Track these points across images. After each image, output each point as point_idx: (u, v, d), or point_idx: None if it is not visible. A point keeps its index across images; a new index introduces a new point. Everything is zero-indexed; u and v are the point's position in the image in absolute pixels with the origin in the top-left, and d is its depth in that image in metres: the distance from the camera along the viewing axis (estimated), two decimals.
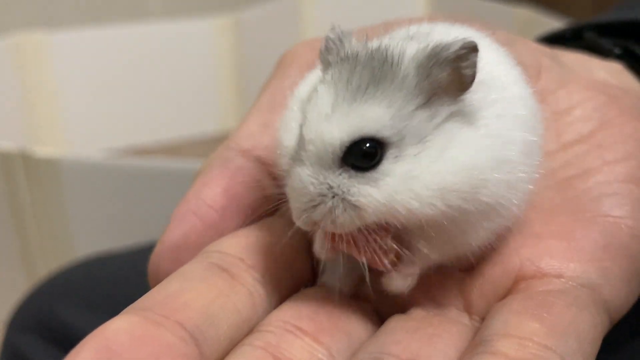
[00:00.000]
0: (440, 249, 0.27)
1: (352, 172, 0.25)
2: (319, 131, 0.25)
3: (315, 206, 0.25)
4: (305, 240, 0.28)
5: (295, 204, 0.25)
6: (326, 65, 0.27)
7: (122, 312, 0.23)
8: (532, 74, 0.31)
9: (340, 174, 0.25)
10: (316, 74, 0.29)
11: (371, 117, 0.24)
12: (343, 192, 0.25)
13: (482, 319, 0.27)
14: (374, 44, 0.26)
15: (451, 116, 0.25)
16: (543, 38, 0.41)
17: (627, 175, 0.30)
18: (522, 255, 0.28)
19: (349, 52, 0.26)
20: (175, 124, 1.24)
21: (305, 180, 0.25)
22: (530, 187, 0.27)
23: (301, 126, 0.26)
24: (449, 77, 0.25)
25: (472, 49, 0.24)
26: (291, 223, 0.29)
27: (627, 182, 0.30)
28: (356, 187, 0.25)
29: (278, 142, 0.28)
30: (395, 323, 0.26)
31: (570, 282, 0.27)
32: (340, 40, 0.26)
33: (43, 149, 0.83)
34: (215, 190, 0.30)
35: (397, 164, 0.25)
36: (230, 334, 0.25)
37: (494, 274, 0.28)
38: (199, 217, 0.29)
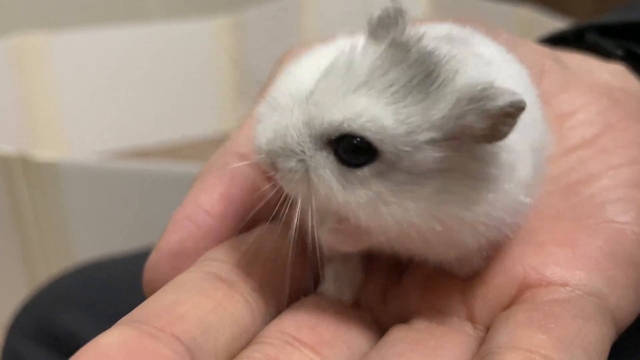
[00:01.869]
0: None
1: (332, 158, 0.24)
2: (330, 102, 0.24)
3: (281, 155, 0.24)
4: (304, 247, 0.28)
5: (267, 133, 0.24)
6: (372, 35, 0.25)
7: (116, 324, 0.23)
8: (534, 76, 0.31)
9: (320, 149, 0.24)
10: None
11: (381, 124, 0.23)
12: (312, 169, 0.24)
13: (486, 329, 0.26)
14: (429, 44, 0.24)
15: (458, 165, 0.24)
16: (545, 39, 0.41)
17: (631, 180, 0.29)
18: (526, 263, 0.27)
19: (406, 40, 0.24)
20: (175, 125, 1.24)
21: (290, 131, 0.24)
22: (532, 203, 0.27)
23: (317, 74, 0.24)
24: (483, 130, 0.23)
25: (519, 109, 0.23)
26: (290, 229, 0.29)
27: (632, 188, 0.29)
28: (325, 172, 0.24)
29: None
30: (397, 334, 0.26)
31: (575, 291, 0.26)
32: (396, 18, 0.24)
33: (43, 153, 0.83)
34: (212, 196, 0.29)
35: (376, 179, 0.24)
36: (228, 346, 0.24)
37: (498, 283, 0.27)
38: (196, 224, 0.29)
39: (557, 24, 0.94)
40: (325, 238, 0.26)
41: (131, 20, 1.20)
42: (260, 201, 0.30)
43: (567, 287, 0.26)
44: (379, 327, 0.27)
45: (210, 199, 0.29)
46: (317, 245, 0.27)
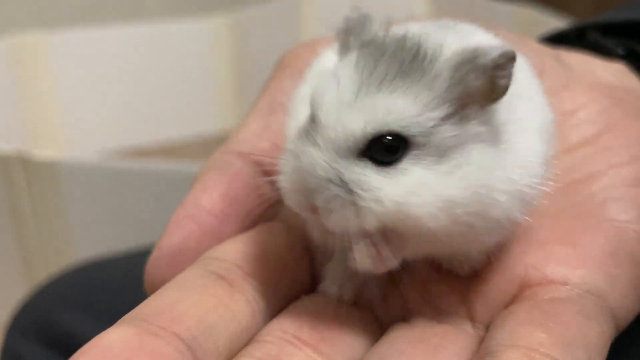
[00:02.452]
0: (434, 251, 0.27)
1: (369, 164, 0.24)
2: (340, 118, 0.23)
3: (318, 191, 0.23)
4: (305, 246, 0.28)
5: (296, 185, 0.24)
6: (345, 47, 0.25)
7: (117, 323, 0.23)
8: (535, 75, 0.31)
9: (355, 165, 0.24)
10: (325, 58, 0.28)
11: (399, 110, 0.23)
12: (353, 184, 0.23)
13: (486, 327, 0.26)
14: (400, 31, 0.25)
15: (475, 133, 0.24)
16: (546, 38, 0.41)
17: (633, 178, 0.29)
18: (526, 261, 0.27)
19: (375, 37, 0.25)
20: (174, 124, 1.24)
21: (317, 163, 0.23)
22: (541, 197, 0.26)
23: (314, 107, 0.24)
24: (482, 86, 0.24)
25: (510, 59, 0.23)
26: (291, 228, 0.29)
27: (633, 186, 0.29)
28: (371, 179, 0.23)
29: (286, 120, 0.27)
30: (398, 332, 0.26)
31: (576, 290, 0.26)
32: (362, 23, 0.25)
33: (42, 152, 0.83)
34: (213, 195, 0.29)
35: (416, 167, 0.24)
36: (229, 345, 0.24)
37: (498, 281, 0.27)
38: (197, 223, 0.29)
39: (557, 23, 0.94)
40: (360, 265, 0.25)
41: (131, 20, 1.20)
42: (260, 201, 0.30)
43: (568, 286, 0.26)
44: (380, 326, 0.27)
45: (211, 198, 0.29)
46: (317, 245, 0.27)
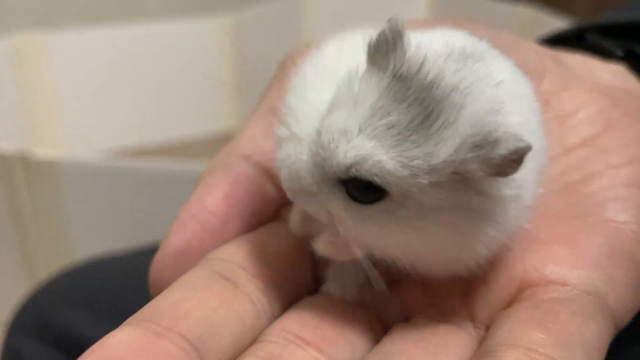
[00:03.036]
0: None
1: (345, 196, 0.24)
2: (337, 145, 0.23)
3: (299, 193, 0.25)
4: (308, 246, 0.28)
5: (284, 171, 0.25)
6: (373, 63, 0.24)
7: (123, 324, 0.23)
8: (535, 76, 0.31)
9: (332, 187, 0.24)
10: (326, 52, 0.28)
11: (388, 167, 0.23)
12: (327, 204, 0.25)
13: (486, 327, 0.26)
14: (430, 72, 0.23)
15: (464, 201, 0.24)
16: (545, 39, 0.41)
17: (631, 179, 0.30)
18: (526, 262, 0.27)
19: (404, 72, 0.23)
20: (175, 124, 1.24)
21: (304, 173, 0.25)
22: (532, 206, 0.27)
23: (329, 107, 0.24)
24: (485, 173, 0.23)
25: (524, 154, 0.22)
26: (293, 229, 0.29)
27: (632, 187, 0.29)
28: (340, 210, 0.24)
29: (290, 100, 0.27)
30: (399, 332, 0.26)
31: (575, 290, 0.26)
32: (394, 42, 0.24)
33: (43, 151, 0.83)
34: (216, 196, 0.29)
35: (385, 215, 0.24)
36: (234, 344, 0.25)
37: (498, 282, 0.27)
38: (200, 224, 0.29)
39: (557, 22, 0.94)
40: (322, 250, 0.27)
41: (131, 19, 1.20)
42: (264, 202, 0.30)
43: (567, 286, 0.26)
44: (382, 326, 0.28)
45: (214, 199, 0.29)
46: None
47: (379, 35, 0.24)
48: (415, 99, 0.23)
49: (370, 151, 0.23)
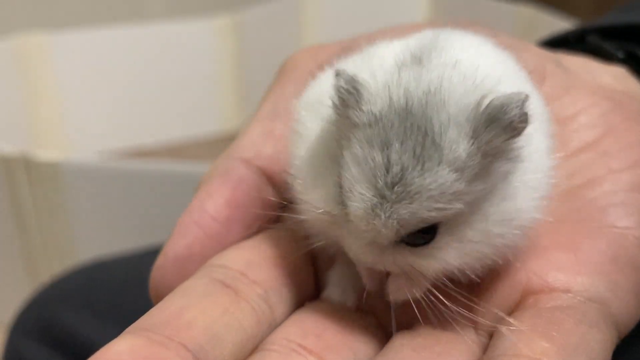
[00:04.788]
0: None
1: (406, 247, 0.25)
2: (373, 223, 0.24)
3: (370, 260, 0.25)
4: (309, 252, 0.28)
5: (361, 251, 0.25)
6: (347, 122, 0.24)
7: (124, 332, 0.23)
8: (536, 79, 0.31)
9: (394, 250, 0.25)
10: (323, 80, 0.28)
11: (425, 204, 0.23)
12: (400, 266, 0.25)
13: (489, 334, 0.26)
14: (401, 97, 0.23)
15: (503, 172, 0.25)
16: (546, 41, 0.41)
17: (633, 184, 0.29)
18: (528, 268, 0.27)
19: (378, 112, 0.23)
20: (176, 125, 1.24)
21: (361, 253, 0.25)
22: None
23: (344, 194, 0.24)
24: (503, 142, 0.23)
25: (523, 101, 0.23)
26: (294, 234, 0.29)
27: (634, 192, 0.29)
28: (412, 261, 0.25)
29: (290, 155, 0.28)
30: (402, 340, 0.26)
31: (578, 297, 0.26)
32: (356, 90, 0.24)
33: (45, 153, 0.83)
34: (218, 201, 0.29)
35: (451, 236, 0.24)
36: (235, 353, 0.25)
37: (501, 288, 0.27)
38: (202, 229, 0.29)
39: (558, 22, 0.94)
40: (401, 297, 0.27)
41: (133, 21, 1.20)
42: (265, 206, 0.30)
43: (570, 294, 0.26)
44: (384, 333, 0.27)
45: (215, 204, 0.29)
46: (320, 251, 0.27)
47: (338, 89, 0.24)
48: (402, 129, 0.23)
49: (402, 209, 0.23)
